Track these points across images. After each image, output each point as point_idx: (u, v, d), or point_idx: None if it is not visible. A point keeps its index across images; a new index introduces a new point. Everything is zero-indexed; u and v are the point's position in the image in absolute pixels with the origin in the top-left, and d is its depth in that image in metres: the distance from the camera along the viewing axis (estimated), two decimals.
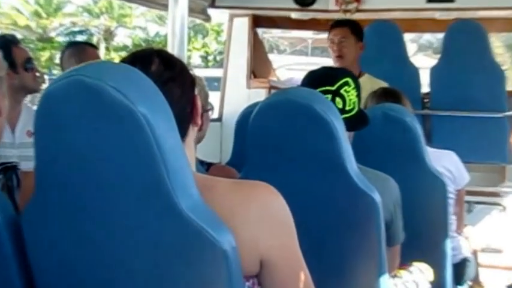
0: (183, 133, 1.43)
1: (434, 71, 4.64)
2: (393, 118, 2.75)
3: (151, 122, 1.22)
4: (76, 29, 26.87)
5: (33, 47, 23.49)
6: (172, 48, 2.70)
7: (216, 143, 4.68)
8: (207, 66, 23.78)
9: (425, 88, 4.83)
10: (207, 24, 21.90)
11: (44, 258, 1.42)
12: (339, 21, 4.24)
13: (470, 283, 3.37)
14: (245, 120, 2.60)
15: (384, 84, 3.79)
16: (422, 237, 2.70)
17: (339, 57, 4.04)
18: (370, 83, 3.80)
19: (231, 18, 5.18)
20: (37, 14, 25.97)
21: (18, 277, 1.44)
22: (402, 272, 2.53)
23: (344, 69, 2.55)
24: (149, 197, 1.26)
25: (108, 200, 1.30)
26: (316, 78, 2.32)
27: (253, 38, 5.19)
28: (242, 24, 5.14)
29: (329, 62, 4.29)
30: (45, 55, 23.84)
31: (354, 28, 4.10)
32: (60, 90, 1.27)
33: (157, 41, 25.66)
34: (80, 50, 3.62)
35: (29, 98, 3.55)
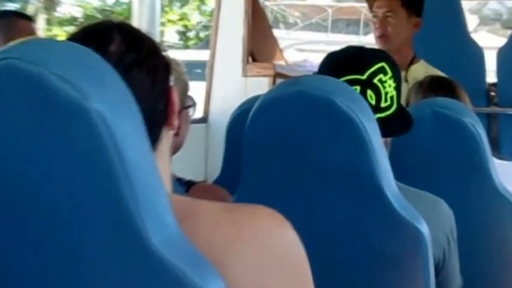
0: (154, 139, 1.44)
1: (504, 54, 4.65)
2: (446, 118, 2.76)
3: (111, 124, 1.21)
4: None
5: None
6: (139, 21, 2.71)
7: (200, 153, 4.69)
8: (186, 47, 23.76)
9: (491, 77, 4.84)
10: None
11: None
12: None
13: None
14: (240, 121, 2.61)
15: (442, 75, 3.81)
16: (487, 283, 2.71)
17: (382, 37, 4.07)
18: (424, 73, 3.81)
19: None
20: None
21: None
22: None
23: (380, 50, 2.56)
24: (108, 226, 1.25)
25: (52, 225, 1.29)
26: (340, 63, 2.34)
27: (251, 7, 5.20)
28: None
29: (357, 41, 4.31)
30: None
31: None
32: None
33: (118, 11, 25.66)
34: (8, 22, 3.63)
35: None
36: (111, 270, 1.28)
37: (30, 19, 3.92)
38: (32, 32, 3.67)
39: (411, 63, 4.01)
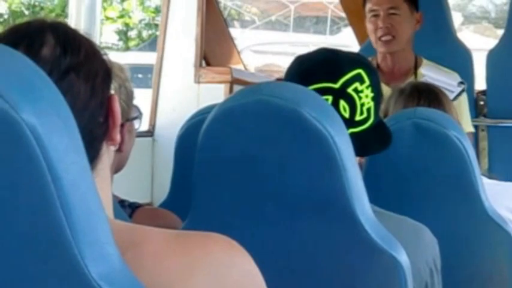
0: (93, 156, 1.45)
1: (494, 57, 4.69)
2: (429, 131, 2.77)
3: (43, 138, 1.21)
4: None
5: None
6: (76, 20, 2.70)
7: (146, 171, 4.69)
8: (127, 48, 23.72)
9: (480, 84, 4.88)
10: None
11: None
12: None
13: None
14: (192, 134, 2.62)
15: (455, 76, 3.84)
16: None
17: (387, 38, 4.08)
18: (437, 74, 3.85)
19: None
20: None
21: None
22: None
23: (355, 54, 2.57)
24: (42, 257, 1.26)
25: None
26: (310, 69, 2.35)
27: (205, 2, 5.21)
28: None
29: (323, 41, 4.31)
30: None
31: None
32: None
33: (49, 7, 25.66)
34: None
35: None
36: None
37: None
38: None
39: (416, 65, 4.04)
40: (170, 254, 1.41)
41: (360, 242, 2.03)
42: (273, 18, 22.31)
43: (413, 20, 4.07)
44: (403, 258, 2.04)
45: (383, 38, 4.05)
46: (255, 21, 21.94)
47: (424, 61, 4.09)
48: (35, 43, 1.46)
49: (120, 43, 24.19)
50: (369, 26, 4.09)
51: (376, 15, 4.07)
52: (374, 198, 2.11)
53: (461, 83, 3.90)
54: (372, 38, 4.10)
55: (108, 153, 1.52)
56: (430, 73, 3.87)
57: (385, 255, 2.03)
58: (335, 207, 2.02)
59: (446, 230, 2.42)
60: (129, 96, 2.31)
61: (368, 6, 4.08)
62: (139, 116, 2.39)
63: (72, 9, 2.73)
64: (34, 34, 1.49)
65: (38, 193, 1.22)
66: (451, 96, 3.42)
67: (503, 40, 4.64)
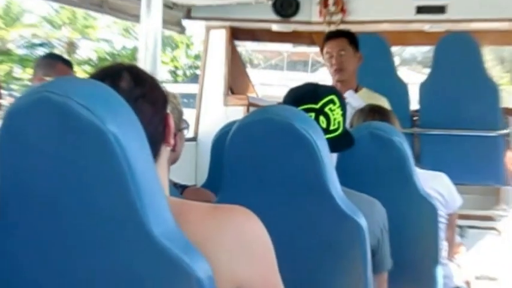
0: (155, 153, 1.44)
1: (424, 87, 4.67)
2: (380, 137, 2.76)
3: (122, 142, 1.21)
4: (37, 41, 26.74)
5: None
6: (144, 63, 2.70)
7: (191, 164, 4.67)
8: (176, 81, 23.71)
9: (414, 105, 4.85)
10: (176, 36, 21.82)
11: (9, 275, 1.41)
12: (334, 32, 4.23)
13: None
14: (222, 140, 2.60)
15: (383, 100, 3.82)
16: (411, 265, 2.71)
17: (339, 70, 4.02)
18: (368, 98, 3.81)
19: (208, 30, 5.18)
20: None
21: None
22: None
23: (329, 86, 2.56)
24: (120, 222, 1.25)
25: (75, 224, 1.29)
26: (299, 96, 2.33)
27: (231, 52, 5.18)
28: (219, 37, 5.14)
29: (306, 77, 4.28)
30: (2, 69, 23.68)
31: (352, 38, 4.08)
32: (26, 107, 1.26)
33: (124, 54, 25.62)
34: (49, 62, 3.57)
35: None
36: (121, 255, 1.28)
37: (67, 62, 3.82)
38: (66, 72, 3.60)
39: (357, 90, 4.01)
40: (207, 217, 1.41)
41: (332, 211, 2.02)
42: (273, 62, 22.25)
43: (356, 58, 4.02)
44: (362, 222, 2.03)
45: (335, 70, 4.01)
46: (261, 64, 21.87)
47: (363, 89, 4.04)
48: (116, 79, 1.46)
49: (172, 79, 24.18)
50: (326, 63, 4.05)
51: (331, 56, 4.02)
52: (343, 182, 2.10)
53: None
54: (329, 70, 4.06)
55: (165, 152, 1.52)
56: (350, 98, 3.83)
57: (350, 220, 2.02)
58: (316, 188, 2.01)
59: (392, 203, 2.40)
60: (180, 114, 2.31)
61: (325, 49, 4.03)
62: (187, 127, 2.38)
63: (141, 56, 2.72)
64: (115, 73, 1.49)
65: (118, 179, 1.22)
66: None
67: (431, 76, 4.61)
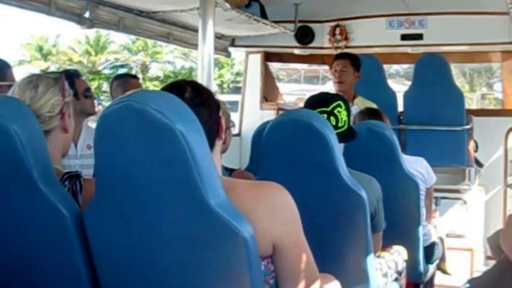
0: (211, 146, 1.44)
1: (407, 95, 4.61)
2: (375, 132, 2.75)
3: (187, 137, 1.22)
4: (118, 63, 27.35)
5: (85, 78, 23.74)
6: (201, 79, 2.70)
7: (237, 153, 4.67)
8: (222, 93, 23.84)
9: (400, 108, 4.81)
10: (221, 59, 21.93)
11: (102, 251, 1.42)
12: (342, 54, 4.18)
13: (438, 261, 3.36)
14: (259, 135, 2.61)
15: (373, 105, 3.78)
16: (400, 226, 2.69)
17: (340, 82, 3.99)
18: (362, 103, 3.80)
19: (247, 54, 5.20)
20: (87, 52, 26.94)
21: (83, 265, 1.45)
22: (384, 253, 2.52)
23: (337, 94, 2.55)
24: (185, 196, 1.26)
25: (154, 201, 1.30)
26: (315, 101, 2.31)
27: (264, 70, 5.20)
28: (256, 59, 5.16)
29: (317, 88, 4.24)
30: (94, 84, 24.17)
31: (354, 60, 4.03)
32: (114, 113, 1.28)
33: (183, 73, 26.05)
34: (125, 80, 3.59)
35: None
36: (185, 220, 1.29)
37: (137, 78, 3.84)
38: (138, 86, 3.61)
39: (354, 98, 3.98)
40: (249, 191, 1.40)
41: (341, 186, 2.01)
42: (294, 76, 22.17)
43: (355, 76, 3.98)
44: (363, 194, 2.02)
45: (337, 83, 3.98)
46: (284, 78, 21.82)
47: (359, 97, 4.00)
48: (181, 90, 1.45)
49: (219, 90, 24.30)
50: (332, 77, 4.03)
51: (335, 71, 3.98)
52: (348, 164, 2.08)
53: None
54: (333, 82, 4.03)
55: (218, 144, 1.51)
56: (357, 103, 3.82)
57: (354, 193, 2.01)
58: (329, 169, 2.00)
59: (385, 181, 2.39)
60: (228, 116, 2.30)
61: (333, 66, 4.02)
62: (233, 125, 2.37)
63: (198, 74, 2.72)
64: (180, 86, 1.48)
65: (184, 164, 1.23)
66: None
67: (412, 86, 4.56)
